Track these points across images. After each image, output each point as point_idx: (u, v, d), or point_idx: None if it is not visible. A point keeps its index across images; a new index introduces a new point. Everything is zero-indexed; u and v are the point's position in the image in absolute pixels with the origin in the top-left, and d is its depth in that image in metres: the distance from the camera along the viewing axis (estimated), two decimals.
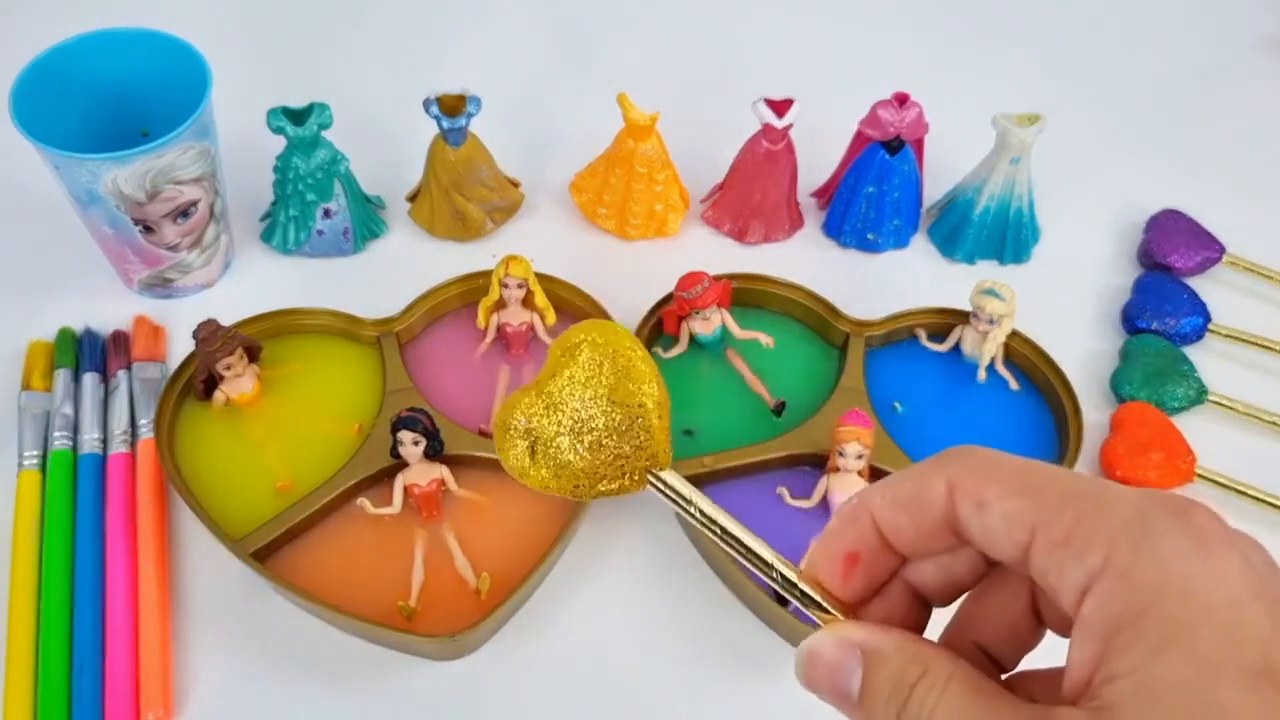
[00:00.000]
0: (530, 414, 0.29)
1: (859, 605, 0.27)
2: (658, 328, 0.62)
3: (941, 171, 0.68)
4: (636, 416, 0.29)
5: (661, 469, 0.28)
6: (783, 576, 0.26)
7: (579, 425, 0.28)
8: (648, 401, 0.29)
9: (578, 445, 0.29)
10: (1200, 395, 0.61)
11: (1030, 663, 0.27)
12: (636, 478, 0.28)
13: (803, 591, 0.26)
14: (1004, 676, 0.27)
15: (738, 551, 0.27)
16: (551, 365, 0.29)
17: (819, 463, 0.57)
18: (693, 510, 0.28)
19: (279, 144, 0.61)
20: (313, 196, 0.63)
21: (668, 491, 0.28)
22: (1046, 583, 0.23)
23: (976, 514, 0.24)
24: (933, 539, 0.26)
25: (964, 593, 0.27)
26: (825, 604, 0.26)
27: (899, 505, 0.26)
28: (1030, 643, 0.27)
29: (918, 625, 0.27)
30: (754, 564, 0.27)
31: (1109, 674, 0.22)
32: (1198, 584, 0.22)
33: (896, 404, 0.60)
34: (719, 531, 0.27)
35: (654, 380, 0.29)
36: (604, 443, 0.28)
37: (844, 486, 0.54)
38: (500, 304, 0.61)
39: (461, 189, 0.65)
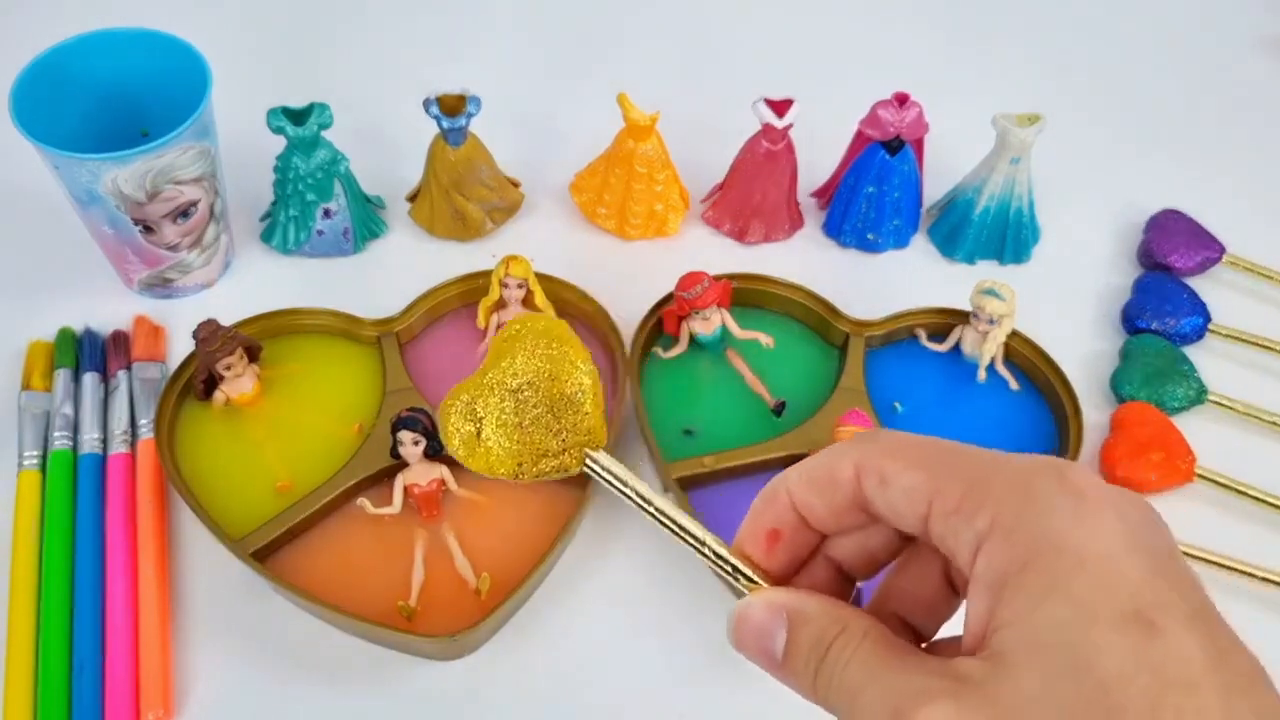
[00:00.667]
0: (474, 399, 0.31)
1: (785, 579, 0.29)
2: (658, 328, 0.62)
3: (941, 171, 0.68)
4: (572, 398, 0.30)
5: (597, 449, 0.30)
6: (714, 552, 0.28)
7: (520, 407, 0.30)
8: (585, 381, 0.31)
9: (519, 426, 0.30)
10: (1200, 395, 0.61)
11: (948, 631, 0.28)
12: (575, 455, 0.30)
13: (733, 566, 0.28)
14: (923, 645, 0.29)
15: (672, 530, 0.29)
16: (494, 354, 0.31)
17: None
18: (627, 490, 0.29)
19: (279, 144, 0.61)
20: (313, 196, 0.63)
21: (602, 471, 0.30)
22: (945, 548, 0.25)
23: (880, 490, 0.26)
24: (845, 516, 0.27)
25: (883, 567, 0.29)
26: (754, 577, 0.28)
27: (812, 485, 0.27)
28: (946, 612, 0.29)
29: (842, 598, 0.29)
30: (687, 541, 0.29)
31: (997, 624, 0.24)
32: (1074, 539, 0.23)
33: (896, 404, 0.60)
34: (653, 511, 0.29)
35: (588, 366, 0.31)
36: (543, 422, 0.30)
37: None
38: (500, 304, 0.61)
39: (461, 189, 0.65)
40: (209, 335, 0.56)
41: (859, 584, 0.30)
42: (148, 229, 0.59)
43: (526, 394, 0.31)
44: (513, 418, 0.30)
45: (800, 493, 0.28)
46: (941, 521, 0.25)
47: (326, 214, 0.64)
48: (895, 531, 0.27)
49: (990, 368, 0.61)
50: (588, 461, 0.30)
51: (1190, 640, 0.23)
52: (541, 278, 0.61)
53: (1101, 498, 0.24)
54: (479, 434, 0.31)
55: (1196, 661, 0.23)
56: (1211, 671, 0.23)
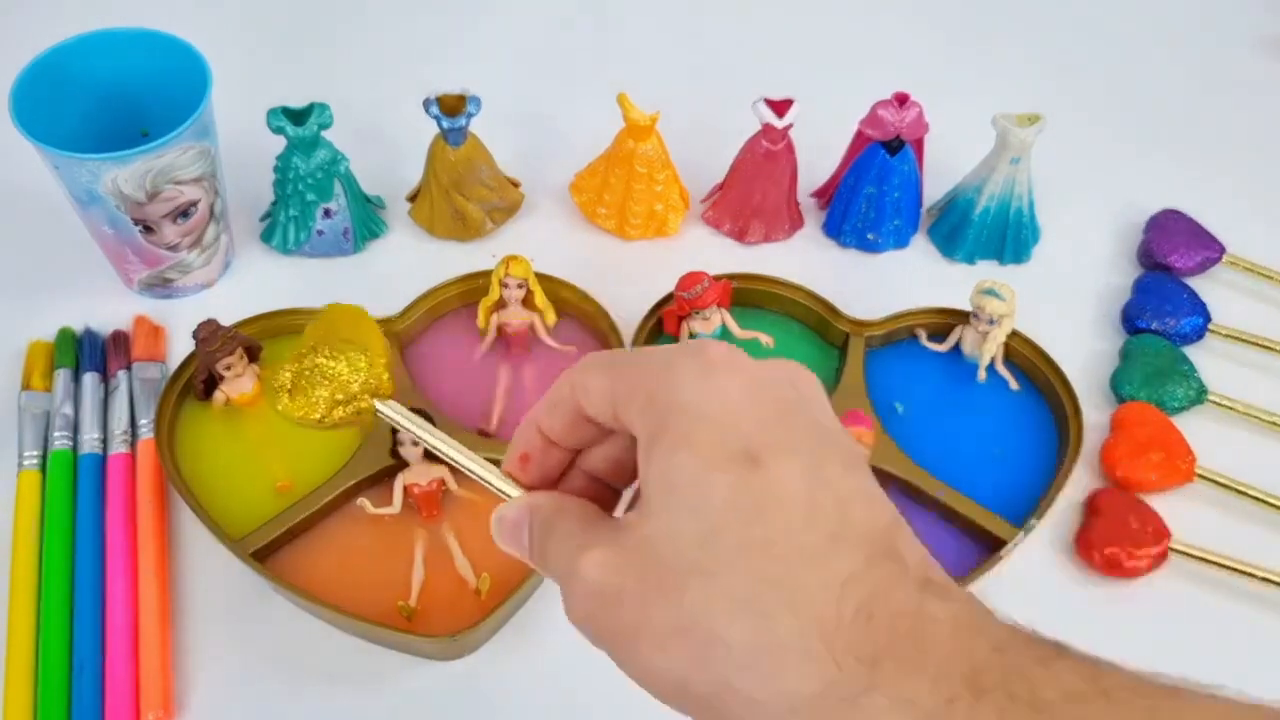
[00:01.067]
0: (287, 366, 0.39)
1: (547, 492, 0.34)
2: (658, 328, 0.62)
3: (941, 171, 0.68)
4: (360, 357, 0.38)
5: (386, 399, 0.38)
6: (481, 473, 0.34)
7: (321, 367, 0.38)
8: (373, 345, 0.39)
9: (321, 380, 0.38)
10: (1200, 395, 0.61)
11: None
12: (366, 403, 0.38)
13: (495, 484, 0.34)
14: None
15: (452, 459, 0.35)
16: (307, 333, 0.40)
17: None
18: (411, 428, 0.36)
19: (279, 144, 0.61)
20: (313, 196, 0.63)
21: (391, 414, 0.37)
22: (638, 446, 0.29)
23: (587, 399, 0.31)
24: (577, 428, 0.32)
25: (632, 472, 0.32)
26: (512, 490, 0.33)
27: (549, 410, 0.32)
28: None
29: (608, 504, 0.33)
30: (464, 467, 0.34)
31: (644, 479, 0.28)
32: (699, 399, 0.28)
33: (897, 404, 0.60)
34: (435, 445, 0.35)
35: (375, 334, 0.40)
36: (339, 375, 0.38)
37: None
38: (500, 304, 0.61)
39: (461, 189, 0.65)
40: (209, 335, 0.56)
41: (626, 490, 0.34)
42: (148, 229, 0.59)
43: (325, 359, 0.38)
44: (315, 376, 0.38)
45: (541, 418, 0.32)
46: (623, 411, 0.30)
47: (326, 214, 0.64)
48: (630, 437, 0.31)
49: (990, 368, 0.61)
50: (378, 407, 0.38)
51: (790, 469, 0.27)
52: (541, 278, 0.61)
53: (729, 364, 0.29)
54: (291, 393, 0.39)
55: (793, 485, 0.27)
56: (805, 494, 0.27)
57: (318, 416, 0.38)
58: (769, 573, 0.26)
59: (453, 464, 0.35)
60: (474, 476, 0.34)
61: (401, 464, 0.55)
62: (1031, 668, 0.25)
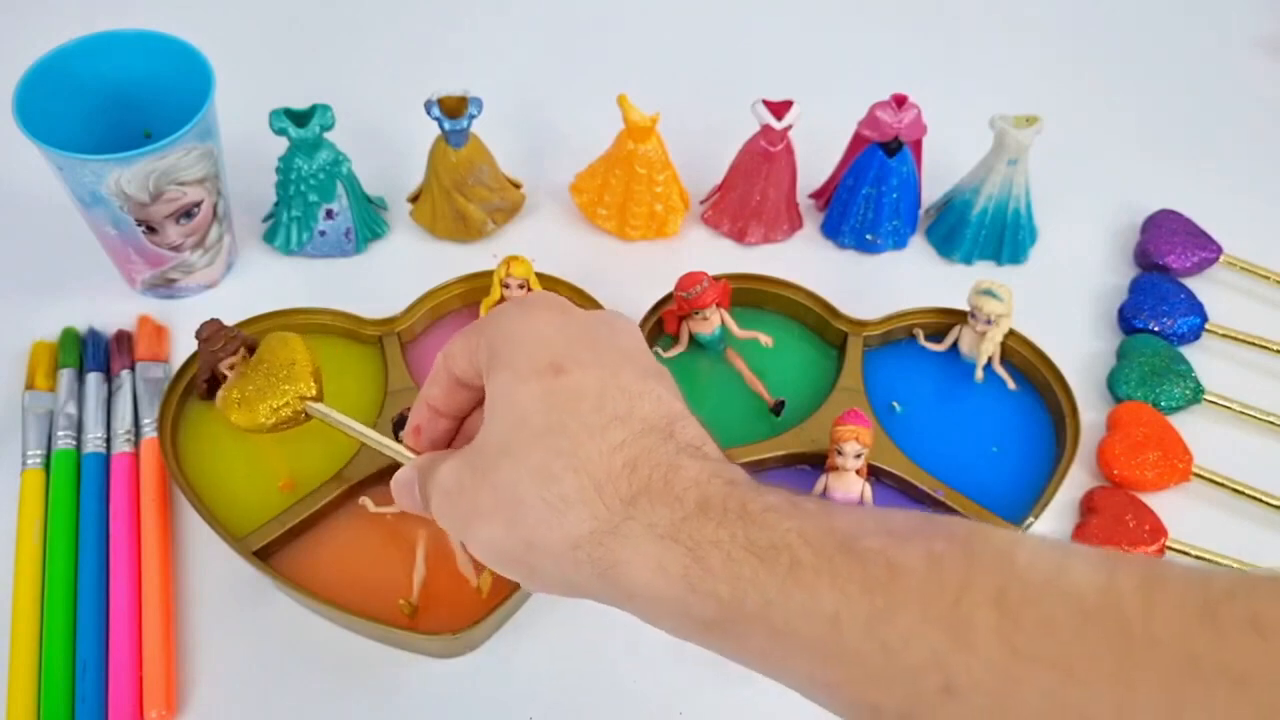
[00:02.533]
0: (235, 385, 0.49)
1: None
2: (658, 327, 0.63)
3: (939, 173, 0.69)
4: (289, 367, 0.48)
5: (315, 400, 0.47)
6: (394, 450, 0.41)
7: (261, 381, 0.48)
8: (298, 359, 0.48)
9: (259, 391, 0.48)
10: (1197, 395, 0.62)
11: None
12: (298, 402, 0.47)
13: (397, 452, 0.41)
14: None
15: (373, 443, 0.42)
16: (250, 360, 0.50)
17: (818, 461, 0.57)
18: (339, 423, 0.45)
19: (281, 145, 0.62)
20: (315, 197, 0.63)
21: (314, 411, 0.46)
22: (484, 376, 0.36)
23: (454, 363, 0.38)
24: (455, 395, 0.39)
25: None
26: (410, 457, 0.40)
27: (431, 384, 0.39)
28: None
29: None
30: (375, 445, 0.42)
31: (486, 400, 0.35)
32: (521, 332, 0.35)
33: (895, 403, 0.61)
34: (357, 433, 0.43)
35: (303, 350, 0.49)
36: (275, 387, 0.47)
37: (842, 485, 0.54)
38: (502, 303, 0.61)
39: (463, 190, 0.65)
40: (212, 335, 0.56)
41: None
42: (151, 230, 0.59)
43: (263, 370, 0.48)
44: (254, 388, 0.48)
45: (426, 392, 0.39)
46: (477, 360, 0.36)
47: (329, 215, 0.64)
48: None
49: (988, 367, 0.61)
50: (307, 406, 0.47)
51: (587, 374, 0.33)
52: (542, 278, 0.61)
53: (546, 304, 0.36)
54: (239, 405, 0.48)
55: (588, 384, 0.33)
56: (598, 390, 0.33)
57: (263, 419, 0.47)
58: (561, 446, 0.32)
59: (371, 445, 0.42)
60: (388, 454, 0.41)
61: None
62: (748, 493, 0.31)
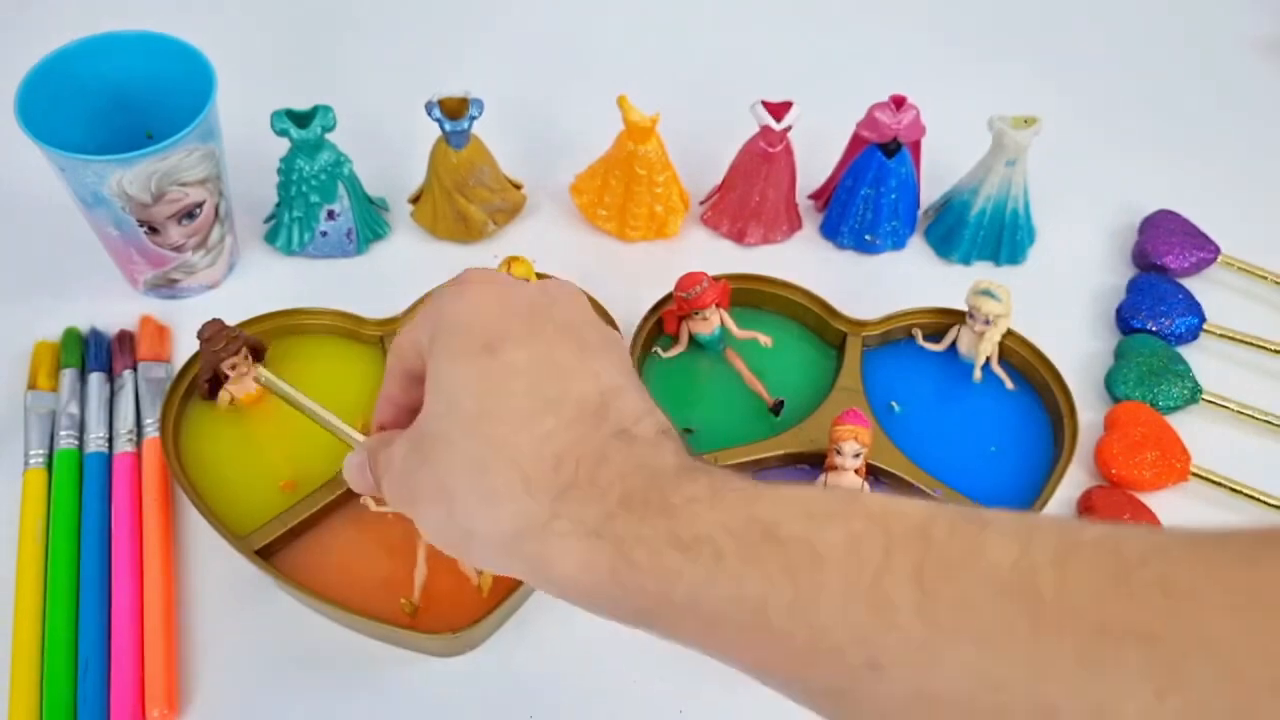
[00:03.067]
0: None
1: None
2: (658, 328, 0.63)
3: (938, 173, 0.69)
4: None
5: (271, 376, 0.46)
6: (344, 432, 0.43)
7: None
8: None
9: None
10: (1194, 395, 0.62)
11: None
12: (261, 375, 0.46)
13: (349, 436, 0.43)
14: None
15: (318, 419, 0.44)
16: None
17: (817, 461, 0.57)
18: (288, 395, 0.45)
19: (283, 146, 0.62)
20: (316, 198, 0.64)
21: (264, 381, 0.45)
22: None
23: (403, 355, 0.38)
24: (410, 389, 0.39)
25: None
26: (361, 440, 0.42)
27: (387, 380, 0.40)
28: None
29: None
30: (325, 424, 0.44)
31: (427, 383, 0.35)
32: (456, 312, 0.35)
33: (894, 403, 0.61)
34: (301, 406, 0.45)
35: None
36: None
37: (841, 484, 0.55)
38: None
39: (464, 191, 0.65)
40: (213, 335, 0.56)
41: None
42: (153, 230, 0.60)
43: None
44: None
45: (384, 389, 0.40)
46: (421, 348, 0.36)
47: (330, 215, 0.65)
48: None
49: (986, 367, 0.62)
50: (257, 373, 0.46)
51: (520, 354, 0.33)
52: (543, 278, 0.62)
53: (482, 280, 0.36)
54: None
55: (520, 365, 0.33)
56: (530, 372, 0.33)
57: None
58: (492, 435, 0.32)
59: (321, 424, 0.43)
60: (338, 435, 0.43)
61: None
62: (670, 483, 0.31)
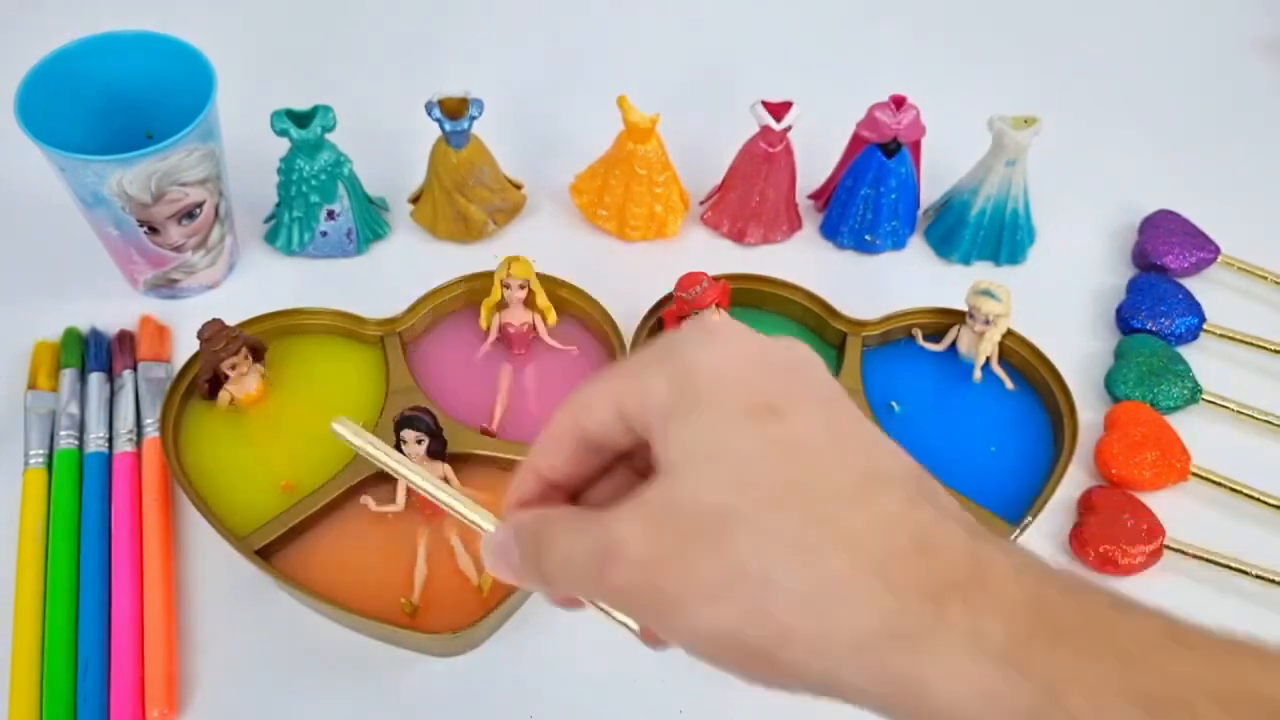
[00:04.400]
0: None
1: None
2: (658, 327, 0.63)
3: (938, 173, 0.69)
4: None
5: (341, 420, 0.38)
6: (453, 505, 0.34)
7: None
8: None
9: None
10: (1194, 395, 0.62)
11: None
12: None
13: (464, 513, 0.34)
14: None
15: (417, 486, 0.35)
16: None
17: None
18: (369, 449, 0.37)
19: (283, 146, 0.62)
20: (316, 198, 0.64)
21: (346, 435, 0.37)
22: (649, 435, 0.29)
23: (590, 417, 0.30)
24: (581, 461, 0.31)
25: None
26: (486, 518, 0.33)
27: (546, 450, 0.31)
28: None
29: None
30: (429, 494, 0.35)
31: (663, 451, 0.28)
32: (711, 362, 0.28)
33: (894, 403, 0.61)
34: (394, 467, 0.36)
35: None
36: None
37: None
38: (502, 304, 0.61)
39: (464, 191, 0.65)
40: (213, 335, 0.56)
41: None
42: (153, 230, 0.60)
43: None
44: None
45: (539, 461, 0.31)
46: (630, 407, 0.29)
47: (330, 215, 0.65)
48: (633, 472, 0.31)
49: (986, 367, 0.62)
50: (335, 427, 0.38)
51: (810, 418, 0.27)
52: (543, 278, 0.62)
53: (730, 330, 0.30)
54: None
55: (817, 432, 0.27)
56: (830, 440, 0.27)
57: None
58: (814, 512, 0.26)
59: (423, 491, 0.35)
60: (455, 512, 0.34)
61: None
62: (1107, 613, 0.25)
